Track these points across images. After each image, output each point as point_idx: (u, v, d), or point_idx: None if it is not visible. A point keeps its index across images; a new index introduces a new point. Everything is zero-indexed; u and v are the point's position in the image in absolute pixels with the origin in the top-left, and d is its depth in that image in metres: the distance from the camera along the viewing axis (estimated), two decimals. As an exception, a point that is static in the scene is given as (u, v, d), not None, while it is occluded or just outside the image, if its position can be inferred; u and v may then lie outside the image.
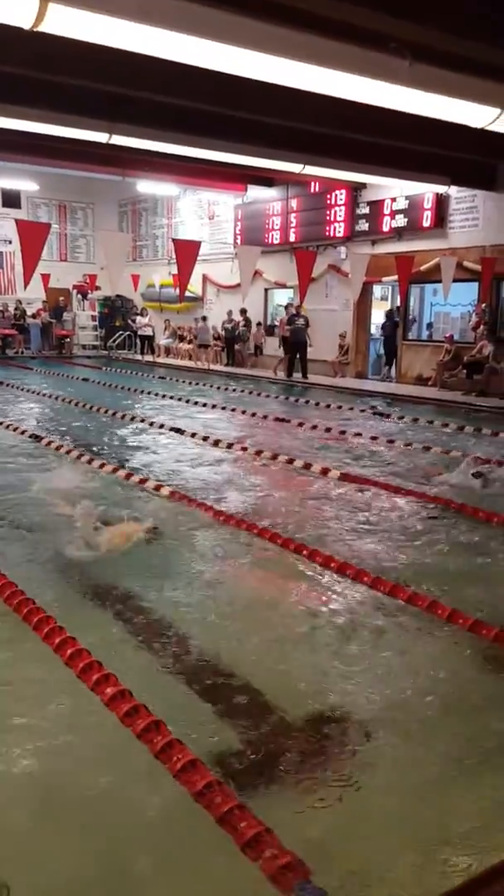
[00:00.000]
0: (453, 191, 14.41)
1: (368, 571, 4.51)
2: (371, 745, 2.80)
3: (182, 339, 22.10)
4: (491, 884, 1.88)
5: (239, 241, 19.45)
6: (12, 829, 2.32)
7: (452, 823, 2.38)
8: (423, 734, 2.88)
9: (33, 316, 22.32)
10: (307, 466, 7.63)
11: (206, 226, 21.17)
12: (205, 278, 21.21)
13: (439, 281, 12.63)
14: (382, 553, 5.05)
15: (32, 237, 8.65)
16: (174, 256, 9.56)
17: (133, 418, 10.62)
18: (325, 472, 7.40)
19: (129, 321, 23.31)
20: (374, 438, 9.49)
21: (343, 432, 9.94)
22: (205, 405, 12.50)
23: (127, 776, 2.55)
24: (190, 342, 21.32)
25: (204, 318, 20.32)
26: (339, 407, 12.55)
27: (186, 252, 7.75)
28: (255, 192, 18.90)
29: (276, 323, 19.31)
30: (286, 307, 17.90)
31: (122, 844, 2.26)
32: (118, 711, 2.76)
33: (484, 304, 14.18)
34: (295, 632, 3.77)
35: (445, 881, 2.05)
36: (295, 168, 12.71)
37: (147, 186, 19.89)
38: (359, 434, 9.75)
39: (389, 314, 16.41)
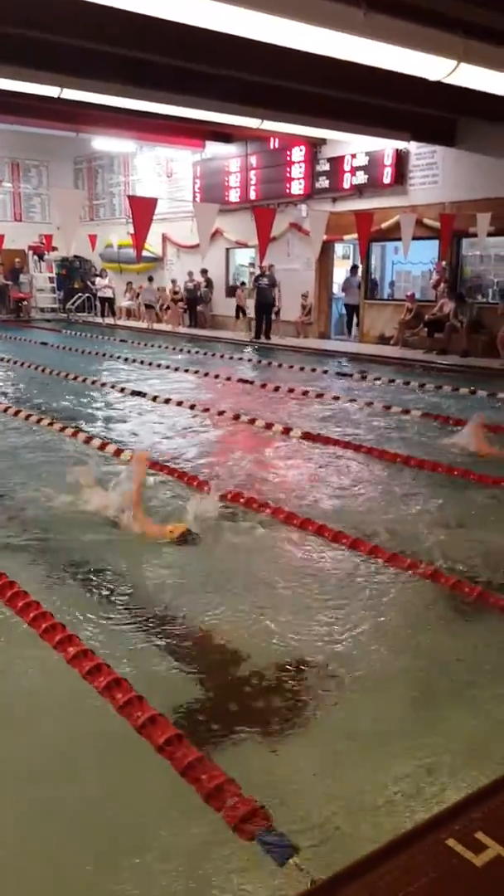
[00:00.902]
0: (413, 147, 14.29)
1: (330, 527, 4.57)
2: (335, 693, 2.86)
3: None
4: (449, 821, 1.95)
5: (198, 199, 19.10)
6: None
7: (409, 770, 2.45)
8: (385, 682, 2.95)
9: (-12, 278, 21.77)
10: (269, 426, 7.64)
11: (165, 184, 20.72)
12: (164, 238, 20.85)
13: (400, 239, 12.58)
14: (349, 509, 5.11)
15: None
16: (132, 216, 9.36)
17: (94, 382, 10.48)
18: (286, 431, 7.42)
19: (89, 283, 22.85)
20: (336, 398, 9.52)
21: (306, 392, 9.94)
22: (167, 367, 12.40)
23: (89, 737, 2.58)
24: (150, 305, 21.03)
25: (150, 279, 20.18)
26: (303, 368, 12.54)
27: (143, 210, 7.58)
28: (214, 149, 18.51)
29: (238, 284, 19.12)
30: (251, 267, 17.72)
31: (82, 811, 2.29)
32: (81, 669, 2.78)
33: (444, 262, 14.20)
34: (261, 588, 3.81)
35: (402, 823, 2.12)
36: (253, 123, 12.46)
37: (103, 143, 19.35)
38: (321, 395, 9.76)
39: (354, 270, 16.28)
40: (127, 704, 2.57)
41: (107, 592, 3.74)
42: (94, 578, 3.90)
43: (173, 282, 20.41)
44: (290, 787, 2.31)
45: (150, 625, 3.38)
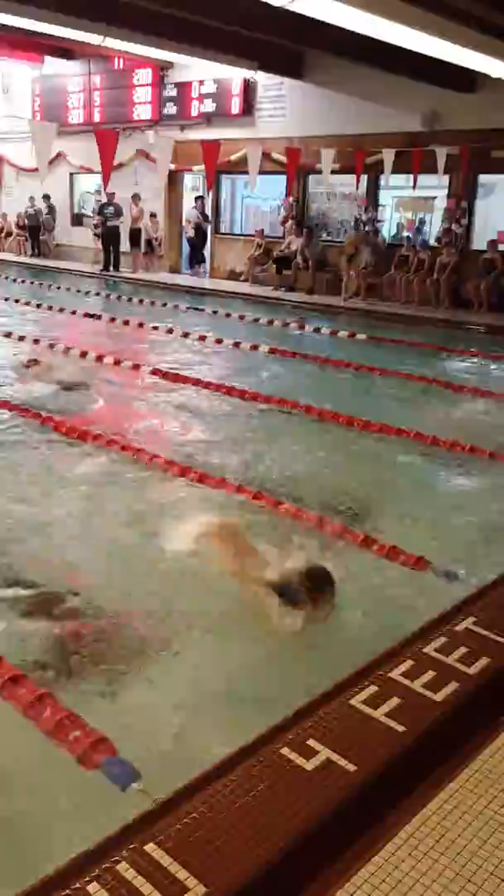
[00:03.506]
0: (262, 77, 14.03)
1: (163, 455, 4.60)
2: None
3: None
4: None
5: (38, 119, 17.80)
6: None
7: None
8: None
9: None
10: (117, 363, 7.46)
11: (2, 100, 19.09)
12: (1, 159, 19.36)
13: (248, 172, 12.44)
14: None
15: None
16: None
17: None
18: (136, 367, 7.30)
19: None
20: (186, 335, 9.44)
21: (156, 328, 9.79)
22: (6, 299, 11.71)
23: None
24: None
25: None
26: (153, 303, 12.29)
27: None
28: (55, 66, 17.21)
29: (84, 211, 18.23)
30: (98, 194, 16.85)
31: None
32: None
33: (291, 199, 14.25)
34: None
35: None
36: (94, 39, 11.69)
37: None
38: (170, 331, 9.63)
39: (199, 201, 15.86)
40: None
41: None
42: None
43: (4, 215, 19.14)
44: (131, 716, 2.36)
45: None
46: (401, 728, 2.10)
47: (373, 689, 2.27)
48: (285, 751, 2.01)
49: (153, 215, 16.14)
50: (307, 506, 3.99)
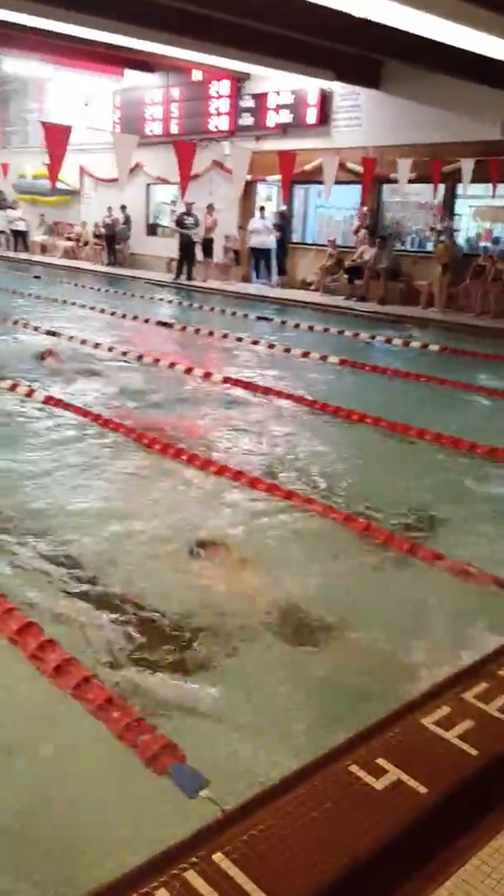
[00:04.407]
0: (338, 87, 14.03)
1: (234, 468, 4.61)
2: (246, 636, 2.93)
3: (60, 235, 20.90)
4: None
5: (117, 130, 18.27)
6: None
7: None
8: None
9: None
10: (188, 371, 7.56)
11: (83, 112, 19.66)
12: (81, 170, 19.90)
13: (323, 182, 12.44)
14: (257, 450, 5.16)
15: None
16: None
17: (3, 320, 10.07)
18: (207, 375, 7.38)
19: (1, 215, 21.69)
20: (255, 343, 9.49)
21: (225, 336, 9.87)
22: (83, 307, 12.04)
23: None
24: (69, 239, 20.22)
25: None
26: (223, 311, 12.43)
27: (57, 137, 7.20)
28: (134, 79, 17.66)
29: (159, 221, 18.60)
30: (172, 205, 17.16)
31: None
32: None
33: (365, 208, 14.18)
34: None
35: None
36: (173, 52, 11.94)
37: (13, 65, 18.14)
38: (240, 339, 9.69)
39: (283, 216, 15.91)
40: (40, 649, 2.55)
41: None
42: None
43: (83, 224, 19.69)
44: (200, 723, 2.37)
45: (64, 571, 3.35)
46: (474, 751, 2.05)
47: (445, 709, 2.22)
48: (354, 768, 1.99)
49: (241, 227, 16.11)
50: (380, 520, 3.94)
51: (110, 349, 8.48)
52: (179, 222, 16.10)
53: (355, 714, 2.34)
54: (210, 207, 16.16)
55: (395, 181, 12.45)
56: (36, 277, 16.16)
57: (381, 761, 2.01)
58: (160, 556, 3.51)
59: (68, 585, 3.19)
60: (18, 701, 2.46)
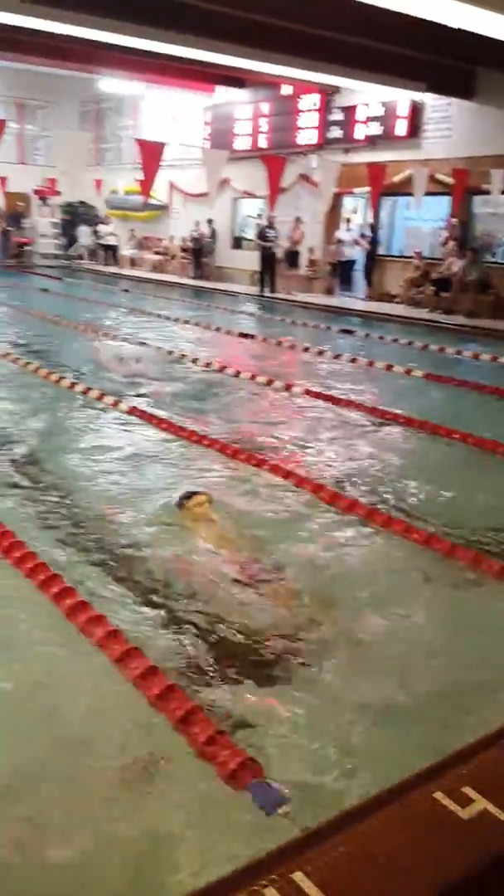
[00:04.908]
0: (429, 98, 13.88)
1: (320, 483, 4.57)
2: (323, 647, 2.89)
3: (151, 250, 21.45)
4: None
5: (208, 146, 18.64)
6: None
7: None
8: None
9: (-9, 222, 21.36)
10: (270, 382, 7.58)
11: (173, 129, 20.18)
12: (171, 185, 20.40)
13: (411, 193, 12.32)
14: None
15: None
16: (138, 160, 9.10)
17: (94, 331, 10.39)
18: (288, 387, 7.38)
19: (92, 231, 22.43)
20: (338, 356, 9.44)
21: (306, 349, 9.87)
22: (168, 318, 12.28)
23: (82, 692, 2.59)
24: (157, 252, 20.72)
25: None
26: (305, 324, 12.44)
27: (151, 154, 7.41)
28: (224, 94, 18.00)
29: (244, 235, 18.83)
30: (258, 218, 17.34)
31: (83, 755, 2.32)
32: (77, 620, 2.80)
33: (454, 220, 13.93)
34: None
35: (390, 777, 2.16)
36: (264, 68, 12.09)
37: (110, 85, 18.85)
38: (322, 352, 9.66)
39: (373, 228, 15.80)
40: (125, 656, 2.59)
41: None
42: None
43: (171, 238, 20.16)
44: (278, 738, 2.35)
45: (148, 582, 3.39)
46: None
47: (536, 740, 2.13)
48: (438, 795, 1.92)
49: (339, 241, 16.00)
50: (465, 543, 3.83)
51: (195, 360, 8.60)
52: (261, 235, 16.28)
53: (441, 740, 2.27)
54: (298, 220, 16.23)
55: (487, 192, 12.17)
56: (124, 291, 16.61)
57: (467, 790, 1.93)
58: (238, 573, 3.51)
59: (146, 597, 3.22)
60: (98, 708, 2.50)
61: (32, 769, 2.21)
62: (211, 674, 2.65)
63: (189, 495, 3.98)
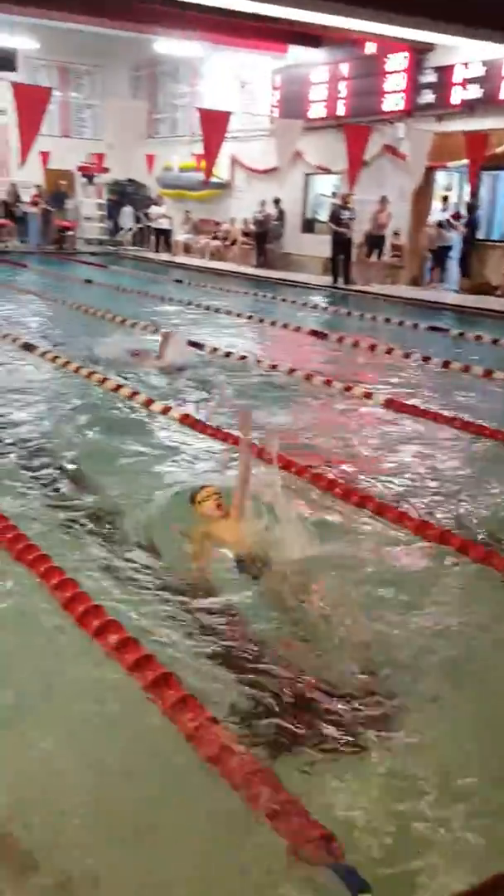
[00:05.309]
0: (540, 55, 13.70)
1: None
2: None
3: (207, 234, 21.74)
4: None
5: (276, 114, 18.81)
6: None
7: None
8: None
9: (31, 203, 21.97)
10: (348, 388, 7.54)
11: (238, 96, 20.44)
12: (233, 160, 20.64)
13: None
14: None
15: (31, 104, 8.43)
16: (197, 132, 9.22)
17: (144, 327, 10.55)
18: (367, 395, 7.33)
19: (142, 213, 22.89)
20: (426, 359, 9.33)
21: (389, 350, 9.80)
22: (228, 313, 12.38)
23: (139, 744, 2.63)
24: (215, 237, 20.99)
25: None
26: (388, 320, 12.36)
27: (214, 125, 7.51)
28: (298, 55, 18.14)
29: (317, 216, 18.90)
30: (334, 197, 17.37)
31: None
32: (125, 661, 2.82)
33: None
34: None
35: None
36: (347, 23, 12.10)
37: (166, 46, 19.18)
38: (408, 355, 9.56)
39: (471, 208, 15.59)
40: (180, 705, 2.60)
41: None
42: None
43: (231, 221, 20.41)
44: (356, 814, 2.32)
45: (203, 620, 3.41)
46: None
47: None
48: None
49: (440, 224, 15.81)
50: None
51: (258, 362, 8.64)
52: (334, 217, 16.23)
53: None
54: (383, 200, 16.15)
55: None
56: (177, 281, 16.84)
57: None
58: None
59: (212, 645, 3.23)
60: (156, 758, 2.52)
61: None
62: (281, 738, 2.64)
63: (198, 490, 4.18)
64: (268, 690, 2.88)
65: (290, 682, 2.94)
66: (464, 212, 15.60)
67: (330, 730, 2.69)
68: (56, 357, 8.26)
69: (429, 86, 15.74)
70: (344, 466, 5.43)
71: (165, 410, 6.42)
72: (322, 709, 2.81)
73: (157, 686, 2.70)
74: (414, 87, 15.96)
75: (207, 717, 2.55)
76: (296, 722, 2.72)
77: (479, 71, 14.74)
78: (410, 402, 7.19)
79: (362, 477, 5.24)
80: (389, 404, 7.10)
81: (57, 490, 4.77)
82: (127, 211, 22.96)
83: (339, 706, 2.82)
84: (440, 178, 16.68)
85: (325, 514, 4.55)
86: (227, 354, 9.02)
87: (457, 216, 15.61)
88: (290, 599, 3.54)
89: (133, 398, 6.78)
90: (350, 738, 2.65)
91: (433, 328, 11.75)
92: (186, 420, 6.20)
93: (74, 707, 2.79)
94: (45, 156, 18.64)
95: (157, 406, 6.51)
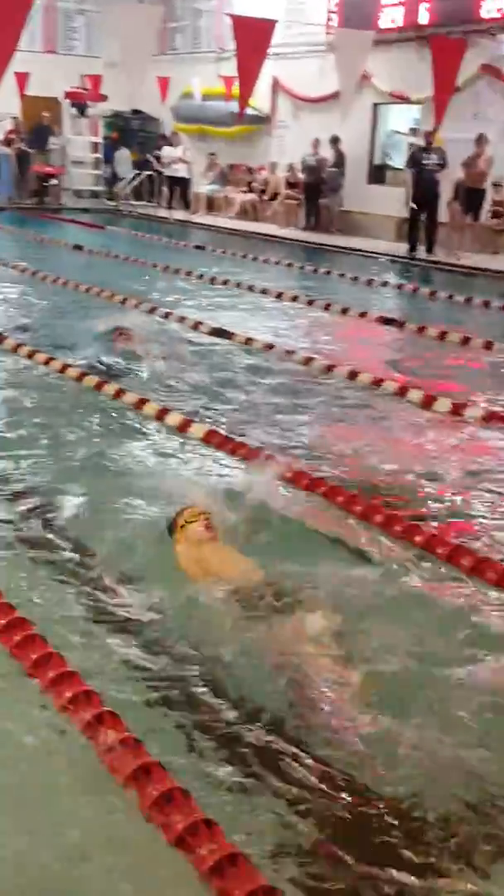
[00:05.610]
0: None
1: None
2: None
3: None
4: None
5: (335, 24, 18.88)
6: None
7: None
8: None
9: (3, 142, 22.24)
10: (429, 401, 7.48)
11: (279, 1, 20.55)
12: (275, 85, 20.75)
13: None
14: None
15: (4, 10, 8.52)
16: (228, 47, 9.20)
17: (152, 310, 10.58)
18: (458, 408, 7.26)
19: (150, 157, 23.07)
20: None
21: (488, 345, 9.75)
22: (264, 292, 12.38)
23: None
24: (250, 189, 21.05)
25: None
26: (487, 304, 12.31)
27: (251, 37, 7.48)
28: None
29: (389, 161, 18.93)
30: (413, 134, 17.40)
31: None
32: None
33: None
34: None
35: None
36: None
37: None
38: None
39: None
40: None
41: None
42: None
43: (272, 167, 20.45)
44: None
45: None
46: None
47: None
48: None
49: None
50: None
51: (307, 361, 8.60)
52: (415, 162, 16.14)
53: None
54: (481, 139, 16.06)
55: None
56: (197, 248, 16.92)
57: None
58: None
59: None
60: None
61: None
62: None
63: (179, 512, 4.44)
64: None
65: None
66: None
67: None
68: (19, 345, 8.42)
69: (545, -16, 15.75)
70: (432, 507, 5.37)
71: (185, 427, 6.43)
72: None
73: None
74: (525, -13, 16.00)
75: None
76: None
77: None
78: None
79: (442, 509, 5.22)
80: (490, 419, 7.04)
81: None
82: (123, 154, 22.95)
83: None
84: None
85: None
86: (269, 347, 9.01)
87: None
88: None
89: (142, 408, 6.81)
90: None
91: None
92: (212, 439, 6.19)
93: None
94: (21, 78, 18.87)
95: (176, 418, 6.54)
